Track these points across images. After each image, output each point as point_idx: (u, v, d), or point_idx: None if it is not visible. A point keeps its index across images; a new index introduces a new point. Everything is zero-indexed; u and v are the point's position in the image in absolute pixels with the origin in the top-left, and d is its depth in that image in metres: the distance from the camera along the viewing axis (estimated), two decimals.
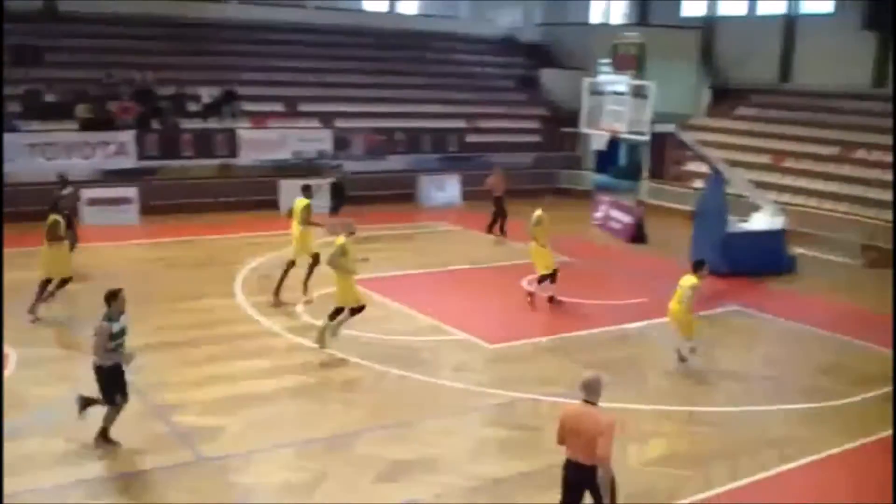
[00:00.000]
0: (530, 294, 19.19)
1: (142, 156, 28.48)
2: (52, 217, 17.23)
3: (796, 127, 34.25)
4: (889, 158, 30.21)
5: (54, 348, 15.15)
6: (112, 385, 11.39)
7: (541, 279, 19.24)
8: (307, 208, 18.99)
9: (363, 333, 16.63)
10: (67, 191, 20.97)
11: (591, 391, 8.73)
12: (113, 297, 11.49)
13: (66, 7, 32.45)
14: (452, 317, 17.93)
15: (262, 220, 27.00)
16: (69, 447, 11.37)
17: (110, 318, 11.35)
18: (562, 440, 8.89)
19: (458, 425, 12.85)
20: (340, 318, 15.59)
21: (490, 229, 26.18)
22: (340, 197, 25.20)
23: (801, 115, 34.77)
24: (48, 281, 16.94)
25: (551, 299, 19.23)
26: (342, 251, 15.30)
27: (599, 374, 9.01)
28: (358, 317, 17.38)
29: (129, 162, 28.20)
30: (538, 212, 19.31)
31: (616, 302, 19.64)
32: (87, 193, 26.19)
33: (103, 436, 11.48)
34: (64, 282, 17.22)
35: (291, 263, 18.93)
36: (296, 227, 19.07)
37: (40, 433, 11.70)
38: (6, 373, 13.80)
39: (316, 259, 18.75)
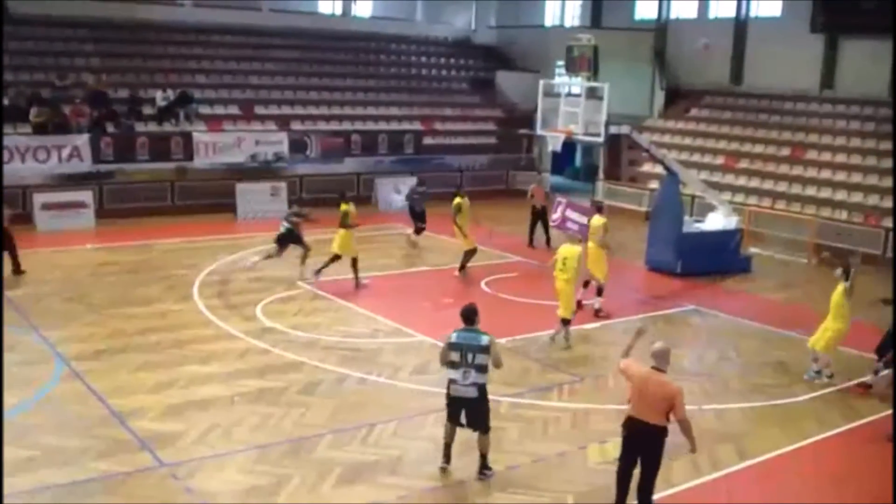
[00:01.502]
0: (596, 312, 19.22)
1: (97, 159, 28.20)
2: (343, 207, 20.63)
3: (749, 128, 34.74)
4: (838, 159, 30.79)
5: (14, 354, 14.99)
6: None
7: (599, 290, 19.25)
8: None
9: (323, 336, 16.66)
10: (305, 210, 22.03)
11: (661, 359, 9.79)
12: (475, 312, 11.35)
13: (16, 9, 32.04)
14: (412, 319, 17.98)
15: (220, 224, 26.91)
16: (30, 454, 11.27)
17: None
18: (630, 399, 10.04)
19: (420, 427, 12.87)
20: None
21: (532, 241, 26.38)
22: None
23: (753, 117, 35.26)
24: (338, 256, 20.56)
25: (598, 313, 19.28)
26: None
27: (668, 345, 10.04)
28: (317, 319, 17.55)
29: (84, 166, 27.89)
30: (603, 219, 19.49)
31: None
32: (41, 198, 25.95)
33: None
34: (353, 260, 20.52)
35: None
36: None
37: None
38: None
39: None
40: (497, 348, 11.06)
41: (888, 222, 26.89)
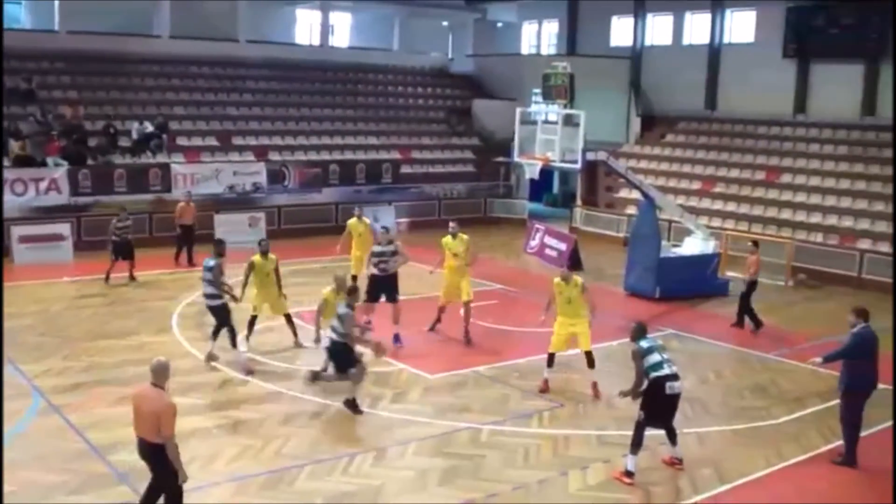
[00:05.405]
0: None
1: (74, 192, 28.19)
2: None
3: (724, 153, 35.07)
4: (812, 183, 31.10)
5: None
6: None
7: None
8: None
9: (303, 367, 16.60)
10: None
11: None
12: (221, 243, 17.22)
13: None
14: (391, 348, 17.94)
15: (199, 254, 26.74)
16: (7, 489, 11.09)
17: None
18: None
19: (400, 456, 12.86)
20: None
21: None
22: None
23: (728, 142, 35.61)
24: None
25: None
26: None
27: None
28: (297, 350, 17.46)
29: (62, 198, 27.88)
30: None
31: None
32: (19, 231, 25.81)
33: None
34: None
35: None
36: None
37: None
38: None
39: None
40: (217, 271, 16.19)
41: (862, 244, 27.21)
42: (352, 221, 21.83)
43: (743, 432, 14.29)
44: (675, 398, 12.23)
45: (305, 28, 43.95)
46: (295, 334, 18.03)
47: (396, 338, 18.24)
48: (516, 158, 23.89)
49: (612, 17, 41.82)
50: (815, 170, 31.76)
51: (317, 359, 17.05)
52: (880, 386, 13.07)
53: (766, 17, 35.26)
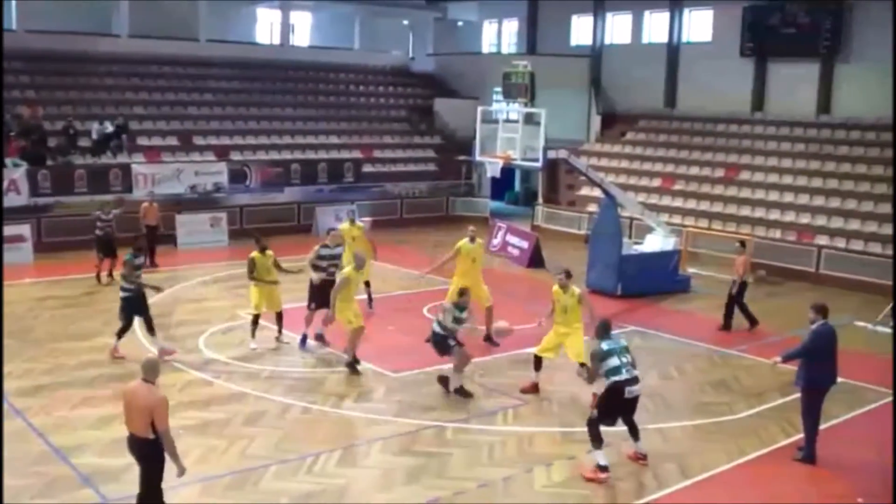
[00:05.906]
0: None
1: (34, 193, 27.97)
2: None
3: (683, 151, 35.41)
4: (770, 180, 31.48)
5: None
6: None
7: None
8: None
9: (266, 367, 16.61)
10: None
11: None
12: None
13: None
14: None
15: (160, 255, 26.61)
16: None
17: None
18: None
19: (365, 455, 12.90)
20: None
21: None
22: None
23: (687, 140, 35.96)
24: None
25: None
26: None
27: None
28: (260, 350, 17.43)
29: (22, 199, 27.62)
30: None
31: (517, 327, 19.88)
32: None
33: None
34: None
35: None
36: None
37: None
38: None
39: None
40: (128, 266, 16.87)
41: (820, 240, 27.61)
42: (344, 226, 21.52)
43: (705, 427, 14.46)
44: (633, 401, 12.47)
45: (266, 27, 43.86)
46: (280, 332, 18.18)
47: (319, 337, 18.20)
48: (478, 157, 24.00)
49: (572, 16, 42.12)
50: (773, 167, 32.17)
51: (281, 358, 17.16)
52: (839, 380, 13.28)
53: (724, 16, 35.69)
